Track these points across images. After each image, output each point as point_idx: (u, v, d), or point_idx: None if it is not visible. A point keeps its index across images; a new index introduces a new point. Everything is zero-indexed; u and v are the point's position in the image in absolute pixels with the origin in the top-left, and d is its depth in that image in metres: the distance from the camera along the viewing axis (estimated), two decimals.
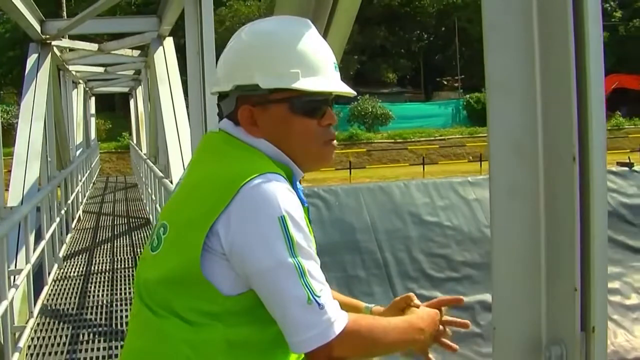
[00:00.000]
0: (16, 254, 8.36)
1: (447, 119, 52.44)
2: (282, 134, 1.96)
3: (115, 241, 14.54)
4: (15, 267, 7.85)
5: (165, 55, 14.22)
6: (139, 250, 12.96)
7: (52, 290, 10.43)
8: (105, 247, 14.09)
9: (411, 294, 2.18)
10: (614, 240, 18.99)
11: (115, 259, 12.78)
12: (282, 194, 1.80)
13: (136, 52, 19.59)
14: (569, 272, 1.52)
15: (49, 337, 8.33)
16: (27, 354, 7.92)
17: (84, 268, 12.10)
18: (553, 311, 1.58)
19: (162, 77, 13.51)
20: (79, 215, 17.59)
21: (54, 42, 14.52)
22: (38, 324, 8.59)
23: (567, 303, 1.54)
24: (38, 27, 13.54)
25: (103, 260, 12.80)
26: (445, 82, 61.81)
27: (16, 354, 6.81)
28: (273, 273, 1.77)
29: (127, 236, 15.07)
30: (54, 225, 11.24)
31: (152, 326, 1.89)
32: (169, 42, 14.71)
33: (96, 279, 11.20)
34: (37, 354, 7.84)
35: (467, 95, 53.44)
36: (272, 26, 2.07)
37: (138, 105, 28.24)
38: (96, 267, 12.17)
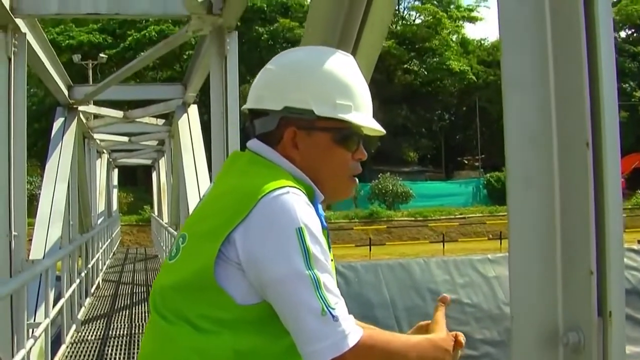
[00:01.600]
0: (35, 308, 8.37)
1: (467, 197, 52.60)
2: (320, 160, 2.03)
3: (134, 308, 14.55)
4: (34, 320, 7.87)
5: (190, 123, 14.46)
6: None
7: (69, 351, 10.44)
8: (124, 313, 14.13)
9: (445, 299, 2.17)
10: (633, 318, 18.81)
11: (134, 325, 12.75)
12: (300, 207, 1.84)
13: (161, 121, 19.91)
14: (585, 256, 1.54)
15: None
16: None
17: (102, 332, 12.13)
18: (569, 297, 1.60)
19: (186, 143, 13.75)
20: (99, 283, 17.66)
21: (80, 107, 14.85)
22: None
23: (583, 288, 1.56)
24: (66, 92, 13.88)
25: (121, 325, 12.80)
26: (466, 162, 62.20)
27: None
28: (288, 284, 1.79)
29: (146, 304, 14.86)
30: (74, 285, 11.29)
31: (162, 332, 1.92)
32: (193, 109, 14.97)
33: (114, 342, 11.23)
34: None
35: (488, 174, 53.71)
36: (324, 57, 2.12)
37: (160, 177, 28.57)
38: (114, 332, 12.17)
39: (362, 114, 2.03)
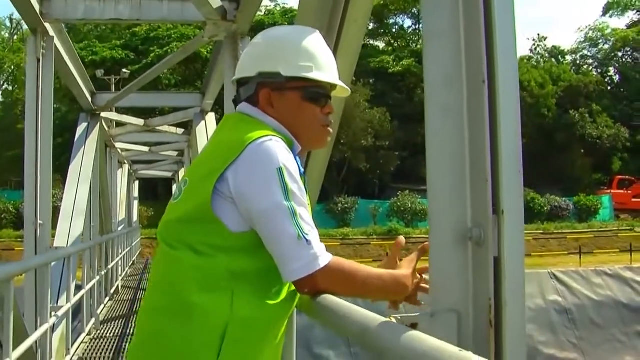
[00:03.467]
0: (58, 295, 8.73)
1: None
2: (293, 115, 2.45)
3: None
4: (57, 304, 8.25)
5: (207, 130, 14.91)
6: None
7: (88, 346, 10.83)
8: None
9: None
10: None
11: None
12: (281, 152, 2.26)
13: (180, 130, 20.29)
14: (483, 168, 2.01)
15: None
16: None
17: (120, 330, 12.49)
18: (474, 201, 2.05)
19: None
20: (118, 287, 18.03)
21: (102, 114, 15.32)
22: (83, 354, 8.99)
23: (482, 193, 2.01)
24: (89, 98, 14.37)
25: None
26: None
27: None
28: (270, 213, 2.20)
29: None
30: (94, 280, 11.71)
31: (170, 257, 2.34)
32: (211, 117, 15.45)
33: (131, 340, 11.49)
34: None
35: None
36: (292, 31, 2.64)
37: None
38: (132, 331, 12.24)
39: (324, 74, 2.45)
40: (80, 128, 14.49)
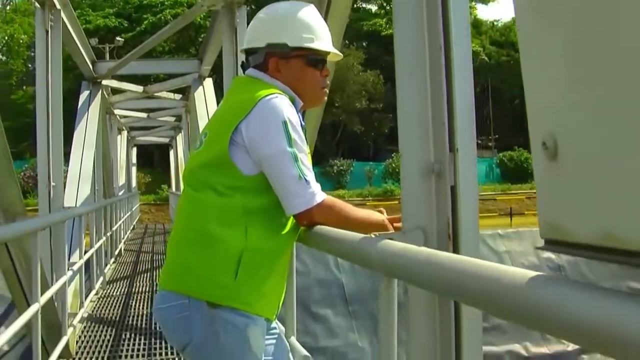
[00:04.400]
0: (70, 252, 9.21)
1: (480, 176, 53.25)
2: (297, 78, 2.94)
3: (155, 271, 15.25)
4: (69, 261, 8.72)
5: (205, 95, 15.37)
6: None
7: (96, 303, 11.33)
8: (145, 275, 14.90)
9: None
10: None
11: (155, 283, 13.44)
12: (285, 107, 2.75)
13: (177, 96, 20.72)
14: (441, 114, 2.53)
15: (95, 330, 9.29)
16: (82, 329, 8.90)
17: (126, 289, 12.96)
18: (435, 141, 2.59)
19: (202, 115, 14.57)
20: (120, 250, 18.50)
21: (104, 82, 15.77)
22: (86, 318, 9.50)
23: (441, 134, 2.55)
24: (91, 66, 14.83)
25: (143, 284, 13.62)
26: (479, 141, 62.83)
27: (70, 329, 7.74)
28: (276, 157, 2.69)
29: None
30: (102, 240, 12.21)
31: (194, 197, 2.85)
32: (208, 82, 15.89)
33: (138, 297, 12.04)
34: (86, 336, 8.83)
35: (501, 154, 54.27)
36: (293, 6, 3.09)
37: (178, 153, 29.39)
38: (137, 289, 12.99)
39: (322, 43, 2.95)
40: (83, 96, 14.93)
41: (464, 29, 2.53)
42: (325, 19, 4.32)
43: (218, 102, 14.58)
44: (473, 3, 67.12)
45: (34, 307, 5.23)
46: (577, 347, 23.28)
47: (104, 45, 46.91)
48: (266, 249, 2.77)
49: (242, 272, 2.68)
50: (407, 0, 2.63)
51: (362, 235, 2.30)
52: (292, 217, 2.82)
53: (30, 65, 62.63)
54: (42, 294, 5.48)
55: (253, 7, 25.55)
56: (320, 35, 2.96)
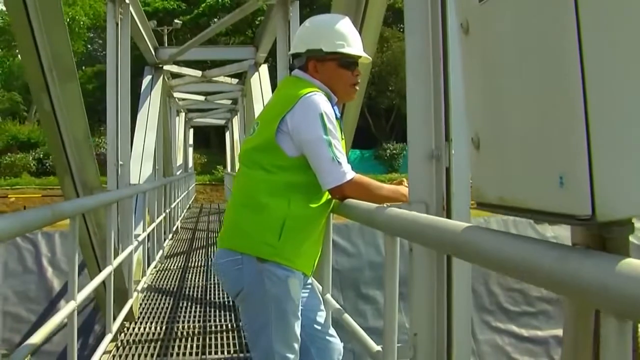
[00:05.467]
0: (134, 225, 9.93)
1: None
2: (331, 77, 3.63)
3: (210, 248, 16.00)
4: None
5: (260, 80, 16.10)
6: None
7: (155, 276, 12.14)
8: (201, 251, 15.64)
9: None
10: None
11: (210, 259, 14.01)
12: (322, 102, 3.45)
13: (234, 81, 21.54)
14: (440, 110, 3.21)
15: (155, 299, 10.08)
16: (143, 298, 9.70)
17: (183, 264, 13.74)
18: (435, 132, 3.27)
19: (258, 99, 15.27)
20: (177, 228, 19.28)
21: (165, 67, 16.62)
22: (146, 288, 10.29)
23: (440, 126, 3.23)
24: (153, 53, 15.67)
25: (199, 259, 14.36)
26: None
27: (136, 293, 8.56)
28: (315, 142, 3.38)
29: None
30: (162, 216, 13.01)
31: (247, 174, 3.57)
32: (264, 68, 16.61)
33: (193, 271, 12.81)
34: (147, 303, 9.62)
35: None
36: (330, 18, 3.84)
37: (234, 134, 30.05)
38: (193, 264, 13.75)
39: (353, 48, 3.62)
40: (145, 80, 15.81)
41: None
42: (360, 28, 5.05)
43: (272, 87, 15.37)
44: None
45: (108, 269, 6.00)
46: None
47: (162, 28, 47.37)
48: (305, 216, 3.46)
49: (285, 234, 3.37)
50: (416, 18, 3.29)
51: (376, 205, 2.99)
52: (326, 192, 3.50)
53: (90, 47, 63.88)
54: (113, 261, 6.25)
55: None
56: (351, 42, 3.62)
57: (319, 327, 3.76)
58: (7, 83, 60.89)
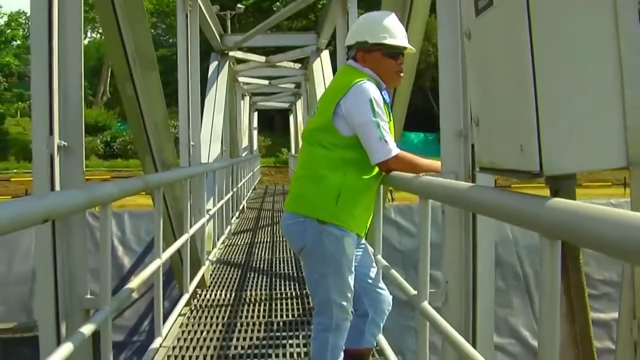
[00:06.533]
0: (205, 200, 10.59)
1: None
2: (377, 66, 4.19)
3: (275, 226, 16.58)
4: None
5: (322, 65, 16.74)
6: None
7: (223, 250, 12.82)
8: (266, 229, 16.28)
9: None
10: None
11: (275, 235, 14.89)
12: (372, 89, 4.03)
13: (297, 65, 22.19)
14: (467, 96, 3.83)
15: (224, 270, 10.79)
16: (212, 269, 10.43)
17: (248, 240, 14.41)
18: (464, 115, 3.89)
19: (320, 82, 15.90)
20: (243, 207, 19.95)
21: (230, 53, 17.35)
22: (215, 261, 11.00)
23: (467, 110, 3.84)
24: (219, 39, 16.37)
25: (264, 236, 14.98)
26: None
27: (207, 262, 9.32)
28: (365, 124, 3.96)
29: None
30: (230, 194, 13.71)
31: (309, 151, 4.18)
32: (325, 54, 17.23)
33: (259, 246, 13.49)
34: (216, 274, 10.36)
35: None
36: (378, 14, 4.37)
37: (298, 117, 30.80)
38: (259, 239, 14.41)
39: (395, 39, 4.15)
40: (212, 66, 16.54)
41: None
42: (407, 23, 5.65)
43: (334, 71, 15.95)
44: None
45: (185, 237, 6.71)
46: None
47: (225, 13, 47.68)
48: (357, 186, 4.06)
49: (341, 201, 3.99)
50: (445, 18, 3.91)
51: (413, 174, 3.61)
52: (376, 166, 4.08)
53: (153, 31, 64.80)
54: (187, 231, 6.94)
55: None
56: (394, 34, 4.16)
57: (371, 281, 4.35)
58: None
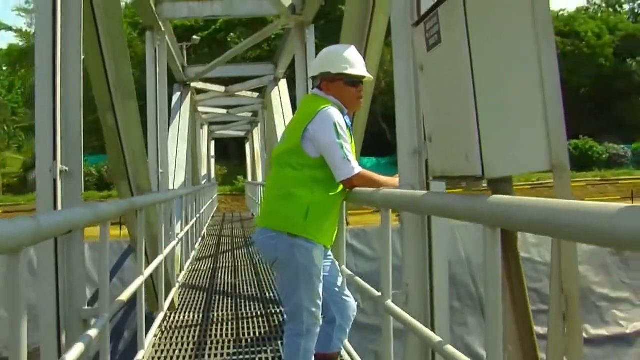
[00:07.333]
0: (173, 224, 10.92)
1: None
2: (340, 93, 4.62)
3: (236, 251, 17.01)
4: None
5: (280, 94, 17.26)
6: (256, 256, 15.26)
7: (188, 275, 13.03)
8: (227, 254, 16.62)
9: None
10: None
11: (237, 260, 15.24)
12: (336, 114, 4.47)
13: (255, 94, 22.70)
14: (421, 119, 4.34)
15: (190, 293, 11.06)
16: (180, 291, 10.77)
17: (212, 265, 14.67)
18: (418, 135, 4.39)
19: (278, 110, 16.42)
20: (204, 234, 20.27)
21: (192, 84, 17.83)
22: (180, 285, 11.29)
23: (420, 130, 4.35)
24: (182, 71, 16.85)
25: (226, 261, 15.28)
26: None
27: (177, 283, 9.68)
28: (330, 145, 4.39)
29: (246, 248, 17.52)
30: (194, 220, 14.10)
31: (280, 172, 4.60)
32: (283, 83, 17.79)
33: (222, 271, 13.74)
34: (183, 297, 10.68)
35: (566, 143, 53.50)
36: (339, 47, 4.83)
37: (254, 145, 31.25)
38: (221, 265, 14.67)
39: (355, 69, 4.60)
40: (175, 96, 16.99)
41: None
42: (364, 53, 6.18)
43: (291, 99, 16.58)
44: None
45: (160, 257, 7.12)
46: (635, 329, 23.54)
47: (181, 44, 47.87)
48: (324, 202, 4.47)
49: (310, 216, 4.38)
50: (402, 48, 4.42)
51: (374, 189, 4.08)
52: (340, 184, 4.50)
53: None
54: (158, 255, 7.35)
55: (322, 21, 27.03)
56: (355, 64, 4.62)
57: (337, 290, 4.77)
58: (29, 101, 61.64)
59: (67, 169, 4.48)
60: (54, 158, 4.36)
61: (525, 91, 2.54)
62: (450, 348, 2.85)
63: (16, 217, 2.34)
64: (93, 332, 3.62)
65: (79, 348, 3.26)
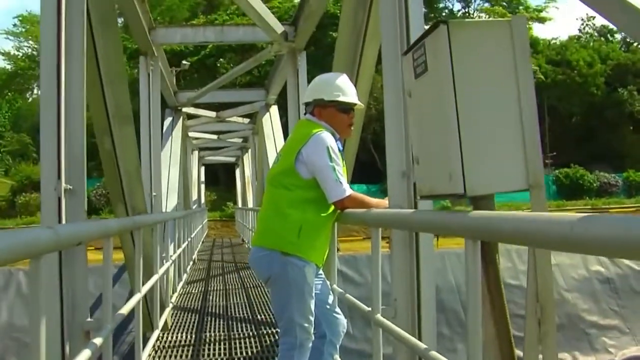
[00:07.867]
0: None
1: None
2: (332, 120, 4.83)
3: (226, 276, 17.10)
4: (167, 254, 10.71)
5: (271, 119, 17.46)
6: (247, 280, 15.44)
7: (180, 298, 13.16)
8: (218, 278, 16.74)
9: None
10: None
11: (227, 284, 15.38)
12: (329, 139, 4.67)
13: (246, 120, 22.87)
14: (407, 142, 4.58)
15: (182, 315, 11.22)
16: (172, 312, 10.91)
17: (203, 288, 14.81)
18: (406, 158, 4.63)
19: (269, 135, 16.63)
20: (195, 259, 20.35)
21: (184, 109, 18.03)
22: (175, 304, 11.46)
23: (409, 154, 4.59)
24: (173, 95, 17.06)
25: (217, 284, 15.42)
26: None
27: (170, 304, 9.83)
28: (323, 167, 4.57)
29: (236, 273, 17.62)
30: (186, 243, 14.27)
31: (273, 192, 4.79)
32: (274, 109, 17.99)
33: (213, 294, 13.85)
34: (176, 318, 10.82)
35: (557, 171, 52.83)
36: (331, 75, 5.05)
37: (245, 171, 31.41)
38: (212, 287, 14.82)
39: (347, 97, 4.82)
40: (167, 121, 17.15)
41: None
42: (356, 81, 6.42)
43: (282, 125, 16.90)
44: (530, 22, 65.81)
45: (155, 277, 7.27)
46: (624, 356, 23.39)
47: (171, 69, 47.94)
48: (316, 222, 4.64)
49: (302, 235, 4.55)
50: (390, 80, 4.66)
51: (365, 210, 4.31)
52: (332, 204, 4.65)
53: None
54: (152, 276, 7.44)
55: (313, 48, 27.15)
56: (346, 92, 4.82)
57: (328, 307, 4.93)
58: (16, 125, 61.59)
59: (71, 187, 4.69)
60: (59, 177, 4.58)
61: (504, 117, 2.78)
62: (435, 354, 3.03)
63: (33, 227, 2.54)
64: (98, 341, 3.80)
65: (85, 354, 3.44)
